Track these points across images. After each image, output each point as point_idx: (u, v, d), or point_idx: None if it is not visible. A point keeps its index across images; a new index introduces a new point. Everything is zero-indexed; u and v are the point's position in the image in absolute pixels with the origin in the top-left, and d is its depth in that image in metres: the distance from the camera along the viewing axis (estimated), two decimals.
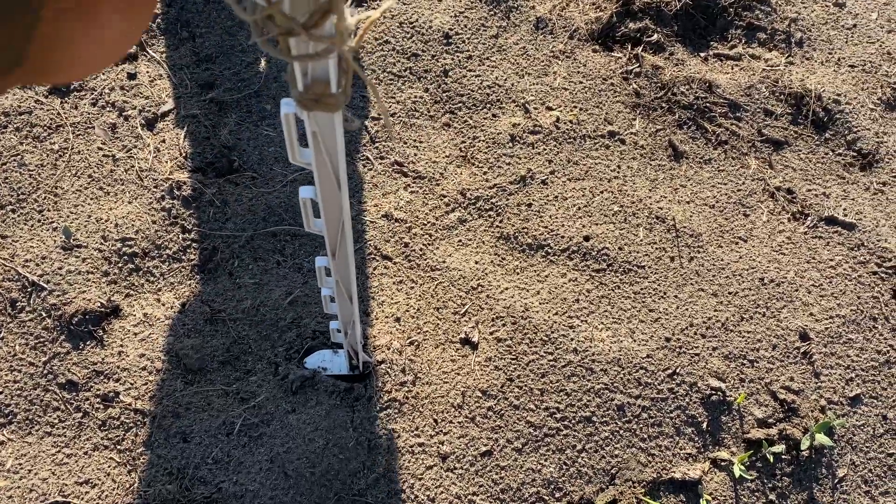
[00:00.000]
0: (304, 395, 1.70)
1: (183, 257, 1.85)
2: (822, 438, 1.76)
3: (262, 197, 1.93)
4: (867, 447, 1.81)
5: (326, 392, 1.70)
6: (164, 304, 1.79)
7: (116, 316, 1.77)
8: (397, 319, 1.83)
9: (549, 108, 2.15)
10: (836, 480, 1.77)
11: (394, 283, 1.88)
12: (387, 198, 1.98)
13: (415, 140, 2.07)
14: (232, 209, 1.91)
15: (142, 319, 1.77)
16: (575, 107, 2.16)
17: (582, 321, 1.86)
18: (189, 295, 1.81)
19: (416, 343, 1.81)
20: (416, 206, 1.98)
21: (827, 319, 1.92)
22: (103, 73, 2.04)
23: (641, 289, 1.91)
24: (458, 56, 2.20)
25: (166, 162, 1.95)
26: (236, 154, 1.99)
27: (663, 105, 2.18)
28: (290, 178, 1.96)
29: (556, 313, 1.86)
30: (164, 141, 1.98)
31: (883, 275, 1.99)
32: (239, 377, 1.72)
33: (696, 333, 1.87)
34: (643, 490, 1.71)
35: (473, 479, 1.68)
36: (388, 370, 1.75)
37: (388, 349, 1.78)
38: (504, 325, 1.83)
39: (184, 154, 1.96)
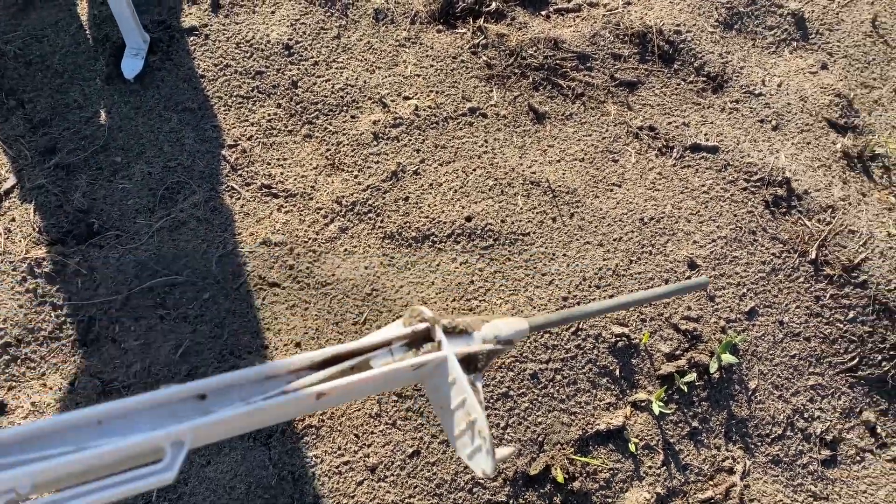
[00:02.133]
0: (215, 445, 1.65)
1: (60, 335, 1.76)
2: (727, 358, 1.82)
3: (129, 254, 1.85)
4: (771, 354, 1.89)
5: (238, 437, 1.66)
6: (51, 388, 1.71)
7: (2, 412, 1.68)
8: (297, 344, 1.80)
9: (406, 98, 2.13)
10: (750, 393, 1.84)
11: (286, 308, 1.84)
12: (262, 223, 1.93)
13: (278, 158, 2.02)
14: (101, 274, 1.82)
15: (30, 409, 1.68)
16: (431, 91, 2.15)
17: (480, 301, 1.86)
18: (76, 372, 1.72)
19: None
20: (294, 225, 1.94)
21: (710, 244, 1.99)
22: None
23: (531, 255, 1.93)
24: (303, 65, 2.15)
25: (20, 241, 1.84)
26: (94, 215, 1.90)
27: (516, 71, 2.19)
28: (156, 226, 1.89)
29: (454, 299, 1.86)
30: (13, 220, 1.87)
31: (752, 188, 2.07)
32: None
33: (590, 286, 1.90)
34: (572, 449, 1.74)
35: (407, 481, 1.67)
36: None
37: None
38: None
39: (37, 229, 1.86)
